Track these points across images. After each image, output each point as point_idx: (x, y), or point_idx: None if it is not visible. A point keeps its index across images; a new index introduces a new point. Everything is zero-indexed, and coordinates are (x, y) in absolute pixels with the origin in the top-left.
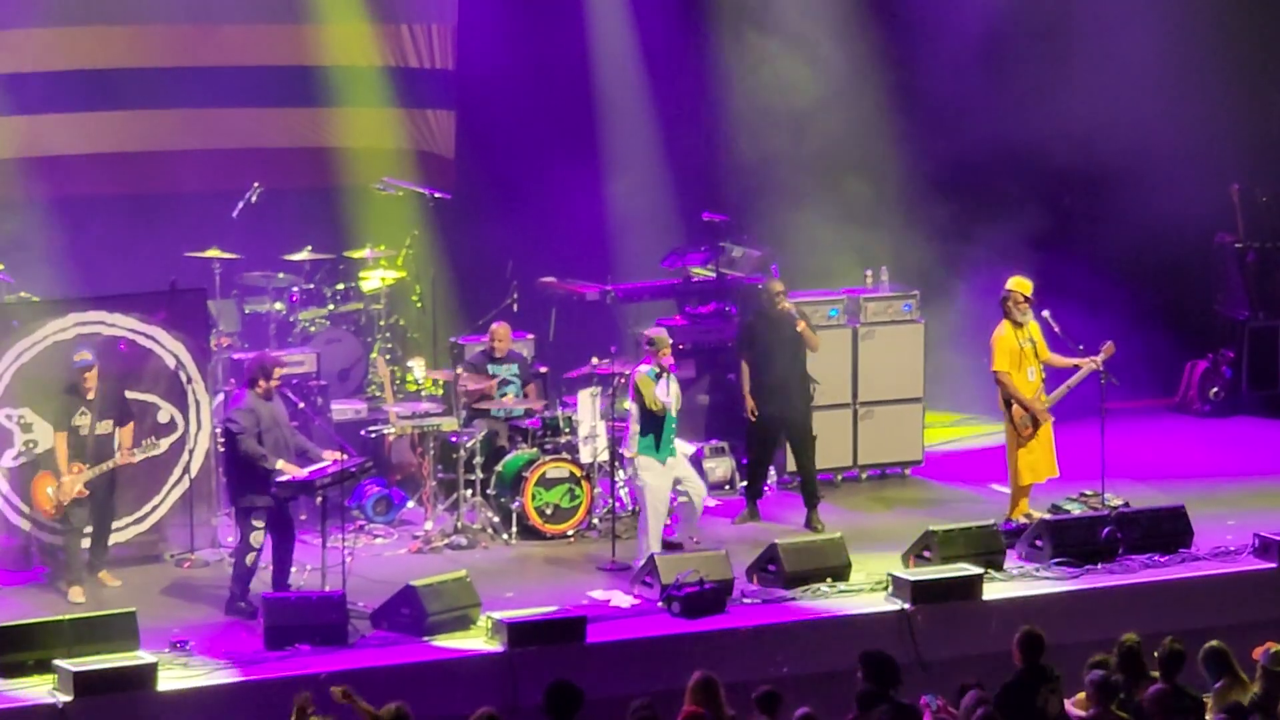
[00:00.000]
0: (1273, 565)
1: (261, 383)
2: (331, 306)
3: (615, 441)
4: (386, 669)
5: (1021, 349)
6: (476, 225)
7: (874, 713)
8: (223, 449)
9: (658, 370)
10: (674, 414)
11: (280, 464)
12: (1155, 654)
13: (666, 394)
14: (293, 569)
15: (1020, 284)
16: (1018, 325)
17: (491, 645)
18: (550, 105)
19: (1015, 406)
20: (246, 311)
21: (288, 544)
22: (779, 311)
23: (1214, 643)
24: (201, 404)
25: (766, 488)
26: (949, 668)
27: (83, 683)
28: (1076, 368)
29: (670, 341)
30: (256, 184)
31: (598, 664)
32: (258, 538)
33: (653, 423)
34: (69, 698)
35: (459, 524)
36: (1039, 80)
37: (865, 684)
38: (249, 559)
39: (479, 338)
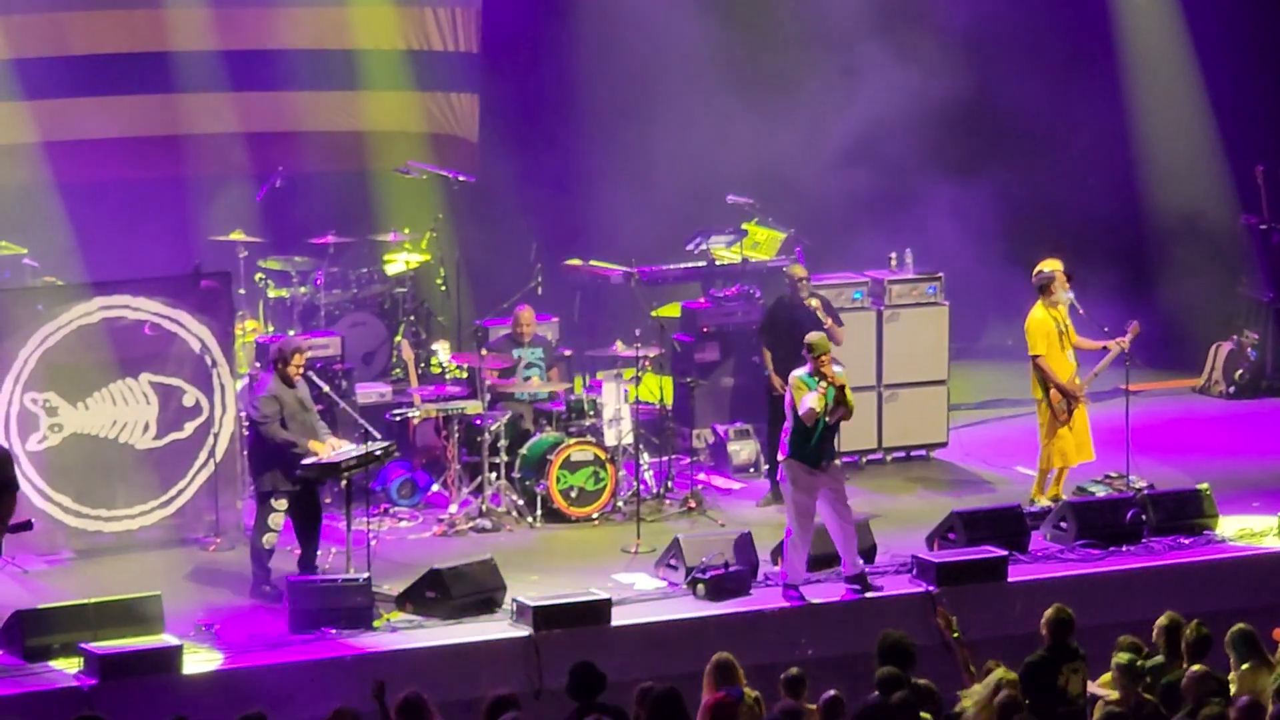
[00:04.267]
0: None
1: (282, 367)
2: (356, 290)
3: (639, 424)
4: (411, 652)
5: (1058, 332)
6: (500, 208)
7: (894, 696)
8: (246, 432)
9: (814, 375)
10: (826, 420)
11: (311, 444)
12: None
13: (820, 401)
14: (318, 552)
15: (1055, 265)
16: (1054, 307)
17: (517, 628)
18: (574, 88)
19: (1053, 391)
20: (271, 295)
21: (314, 527)
22: (802, 299)
23: (1241, 625)
24: (226, 388)
25: None
26: (973, 649)
27: (108, 666)
28: (1105, 350)
29: (828, 348)
30: (281, 168)
31: (623, 646)
32: (277, 520)
33: (804, 427)
34: (94, 680)
35: (484, 507)
36: (1064, 64)
37: (881, 665)
38: (265, 540)
39: (503, 321)
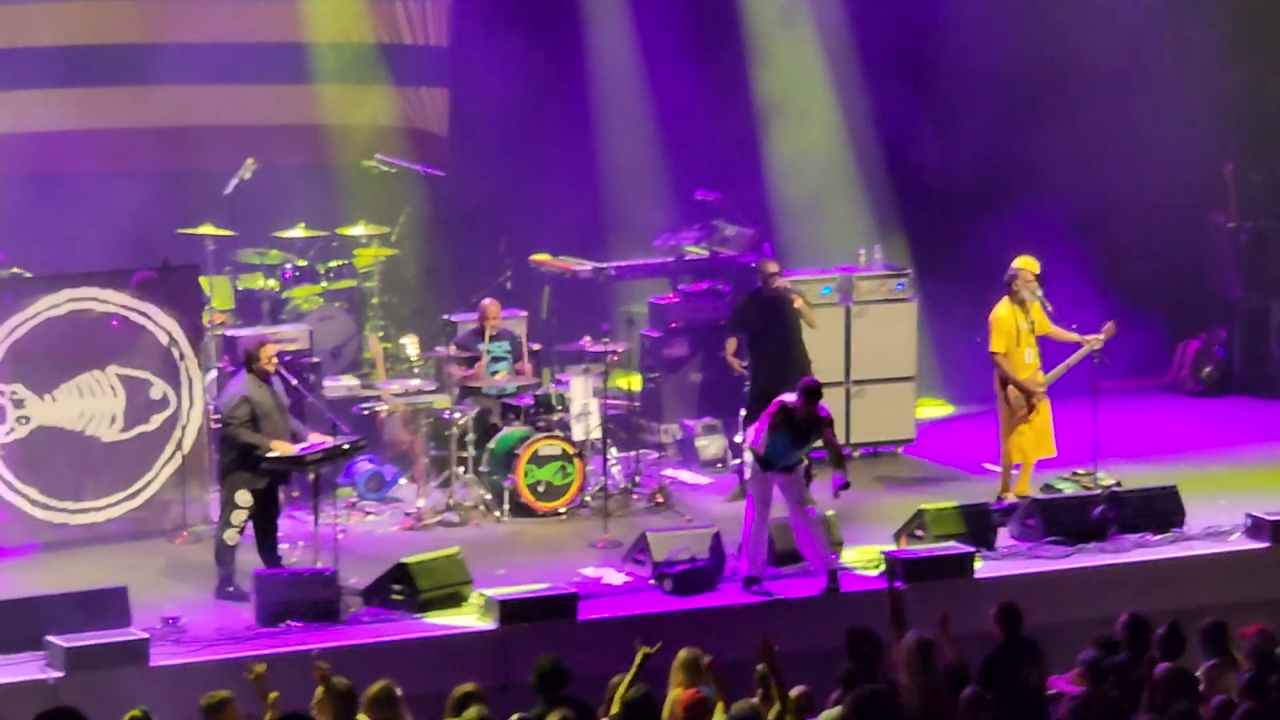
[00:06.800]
0: (1264, 545)
1: (254, 365)
2: (325, 284)
3: (607, 419)
4: (378, 646)
5: (1019, 330)
6: (470, 203)
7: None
8: (215, 427)
9: (790, 416)
10: (801, 454)
11: (274, 443)
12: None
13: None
14: (284, 546)
15: (1029, 263)
16: (1019, 305)
17: (483, 622)
18: (544, 83)
19: (1010, 387)
20: (239, 288)
21: (273, 523)
22: (774, 291)
23: (1214, 620)
24: (194, 380)
25: None
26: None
27: (74, 658)
28: (1078, 344)
29: (819, 396)
30: (250, 160)
31: (589, 641)
32: (239, 516)
33: (777, 435)
34: (61, 673)
35: (451, 501)
36: (1034, 60)
37: (850, 661)
38: (228, 536)
39: (471, 315)
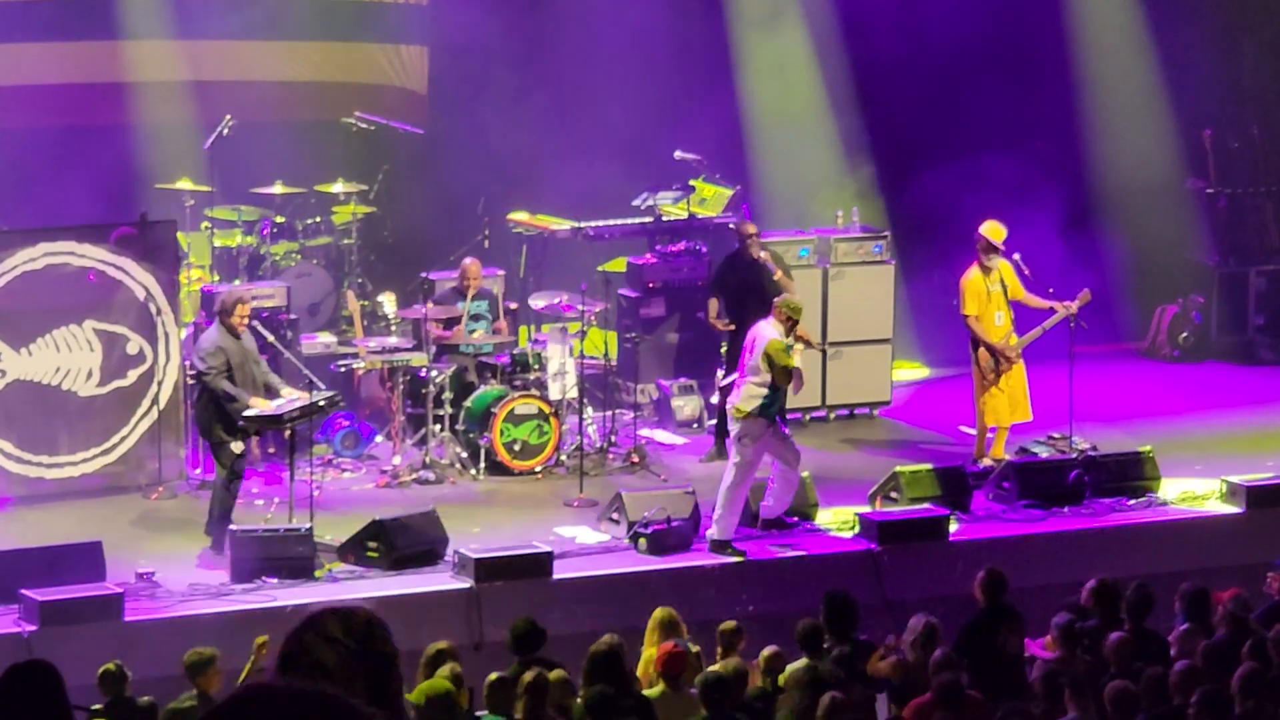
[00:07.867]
0: (1240, 510)
1: (225, 319)
2: (302, 240)
3: (584, 378)
4: (352, 603)
5: (989, 293)
6: (448, 161)
7: (831, 652)
8: (193, 383)
9: (789, 341)
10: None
11: (252, 399)
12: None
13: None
14: (259, 502)
15: (992, 230)
16: (986, 270)
17: (458, 580)
18: (524, 42)
19: (982, 350)
20: (217, 245)
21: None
22: (753, 257)
23: (1196, 586)
24: (170, 336)
25: None
26: (915, 608)
27: (48, 612)
28: (1051, 310)
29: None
30: (228, 116)
31: (564, 599)
32: (241, 465)
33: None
34: (34, 627)
35: (427, 459)
36: (1012, 27)
37: (824, 623)
38: (234, 488)
39: (449, 273)
